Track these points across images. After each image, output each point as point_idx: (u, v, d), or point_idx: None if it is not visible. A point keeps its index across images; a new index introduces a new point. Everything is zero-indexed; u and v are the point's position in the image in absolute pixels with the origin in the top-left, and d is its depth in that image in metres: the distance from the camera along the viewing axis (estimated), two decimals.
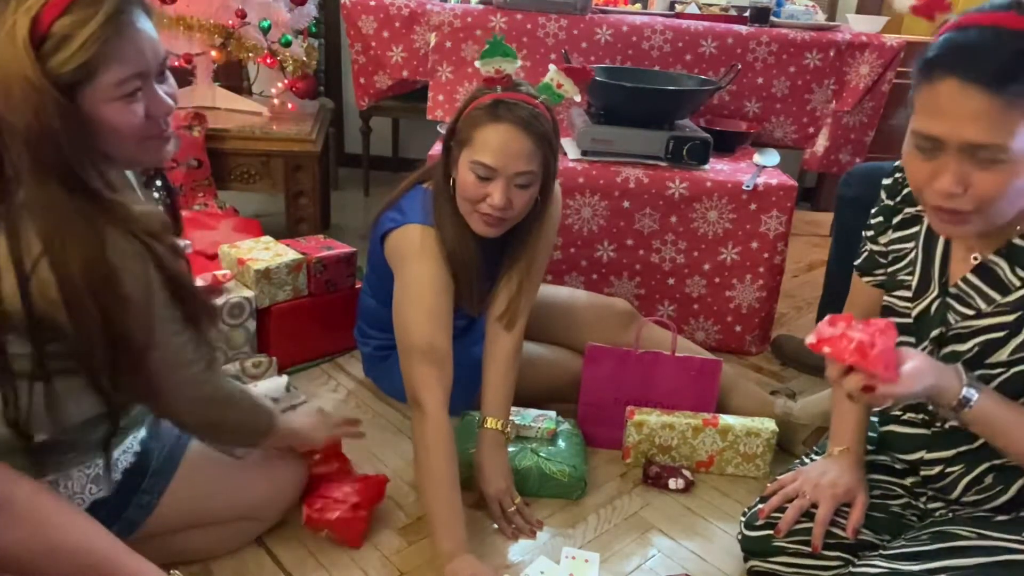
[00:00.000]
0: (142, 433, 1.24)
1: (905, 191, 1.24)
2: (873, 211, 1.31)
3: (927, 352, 1.16)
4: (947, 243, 1.17)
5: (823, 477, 1.27)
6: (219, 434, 1.25)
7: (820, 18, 2.71)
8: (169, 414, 1.16)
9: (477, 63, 1.46)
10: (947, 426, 1.20)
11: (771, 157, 2.29)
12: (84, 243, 0.95)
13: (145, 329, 1.02)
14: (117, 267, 0.97)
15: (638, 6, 2.75)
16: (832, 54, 2.44)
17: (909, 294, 1.21)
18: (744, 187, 2.06)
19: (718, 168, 2.15)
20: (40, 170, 0.93)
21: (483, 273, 1.59)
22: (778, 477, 1.36)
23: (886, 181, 1.28)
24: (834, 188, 2.21)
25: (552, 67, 1.54)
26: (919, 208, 1.21)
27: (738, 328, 2.20)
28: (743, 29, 2.42)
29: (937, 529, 1.18)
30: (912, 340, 1.19)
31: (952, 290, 1.15)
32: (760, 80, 2.46)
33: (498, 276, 1.63)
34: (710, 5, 2.69)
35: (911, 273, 1.21)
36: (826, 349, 1.00)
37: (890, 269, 1.27)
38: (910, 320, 1.20)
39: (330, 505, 1.38)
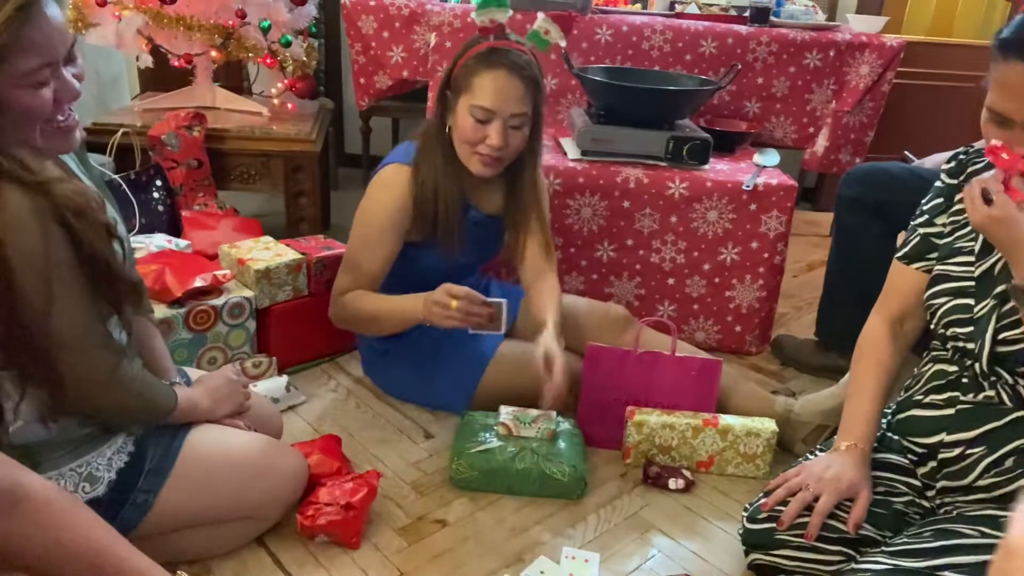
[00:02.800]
0: (136, 431, 1.23)
1: (969, 169, 1.30)
2: (927, 198, 1.36)
3: (989, 309, 1.19)
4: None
5: (827, 471, 1.27)
6: (120, 418, 1.21)
7: (820, 18, 2.71)
8: (71, 396, 1.11)
9: (473, 15, 1.59)
10: (980, 397, 1.22)
11: (771, 157, 2.29)
12: None
13: (40, 296, 1.01)
14: (2, 238, 0.96)
15: (638, 6, 2.74)
16: (832, 54, 2.44)
17: (971, 258, 1.25)
18: (744, 187, 2.06)
19: (718, 168, 2.15)
20: None
21: (487, 235, 1.78)
22: (782, 472, 1.36)
23: (946, 165, 1.34)
24: (834, 188, 2.21)
25: (540, 15, 1.70)
26: None
27: (738, 328, 2.19)
28: (743, 29, 2.42)
29: (940, 527, 1.18)
30: (971, 301, 1.22)
31: None
32: (760, 80, 2.46)
33: (509, 227, 1.80)
34: (710, 5, 2.69)
35: (974, 239, 1.26)
36: (1004, 155, 1.12)
37: (944, 241, 1.31)
38: (971, 282, 1.23)
39: (321, 510, 1.38)
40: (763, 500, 1.32)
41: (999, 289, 1.19)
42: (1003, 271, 1.20)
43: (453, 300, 1.54)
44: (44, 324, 1.03)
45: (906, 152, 2.13)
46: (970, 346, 1.21)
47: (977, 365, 1.21)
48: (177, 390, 1.28)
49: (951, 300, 1.24)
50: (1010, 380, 1.18)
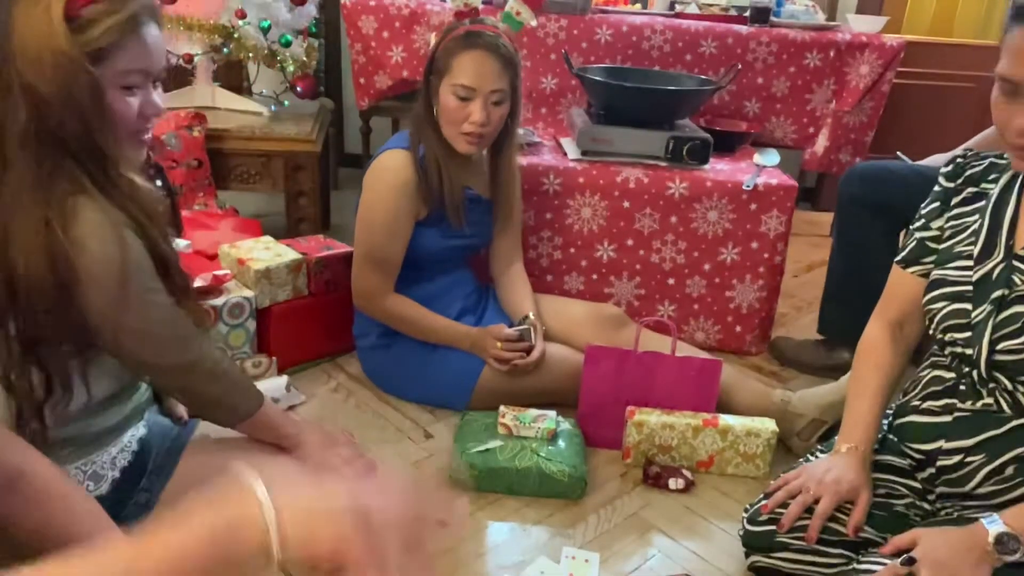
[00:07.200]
0: (140, 431, 1.24)
1: (967, 173, 1.29)
2: (926, 202, 1.35)
3: (986, 314, 1.18)
4: (1016, 210, 1.21)
5: (827, 474, 1.27)
6: (197, 404, 1.29)
7: (820, 18, 2.71)
8: (148, 371, 1.22)
9: (449, 1, 1.71)
10: (979, 404, 1.21)
11: (771, 157, 2.28)
12: (39, 219, 0.99)
13: (117, 299, 1.06)
14: (79, 240, 1.01)
15: (638, 6, 2.74)
16: (832, 54, 2.44)
17: (970, 262, 1.24)
18: (744, 187, 2.06)
19: (718, 168, 2.15)
20: (43, 143, 1.00)
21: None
22: (782, 474, 1.36)
23: (945, 169, 1.33)
24: (834, 188, 2.21)
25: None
26: (983, 186, 1.27)
27: (738, 328, 2.19)
28: (743, 29, 2.42)
29: (942, 527, 1.17)
30: (968, 306, 1.21)
31: (1020, 252, 1.19)
32: (760, 80, 2.46)
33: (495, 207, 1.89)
34: (710, 5, 2.69)
35: (973, 243, 1.25)
36: None
37: (943, 245, 1.30)
38: (968, 287, 1.22)
39: None
40: (763, 502, 1.32)
41: (996, 294, 1.18)
42: (1002, 274, 1.19)
43: (498, 343, 1.73)
44: (121, 328, 1.09)
45: (898, 153, 2.13)
46: (968, 351, 1.21)
47: (975, 372, 1.20)
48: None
49: (949, 305, 1.24)
50: (1009, 387, 1.17)
